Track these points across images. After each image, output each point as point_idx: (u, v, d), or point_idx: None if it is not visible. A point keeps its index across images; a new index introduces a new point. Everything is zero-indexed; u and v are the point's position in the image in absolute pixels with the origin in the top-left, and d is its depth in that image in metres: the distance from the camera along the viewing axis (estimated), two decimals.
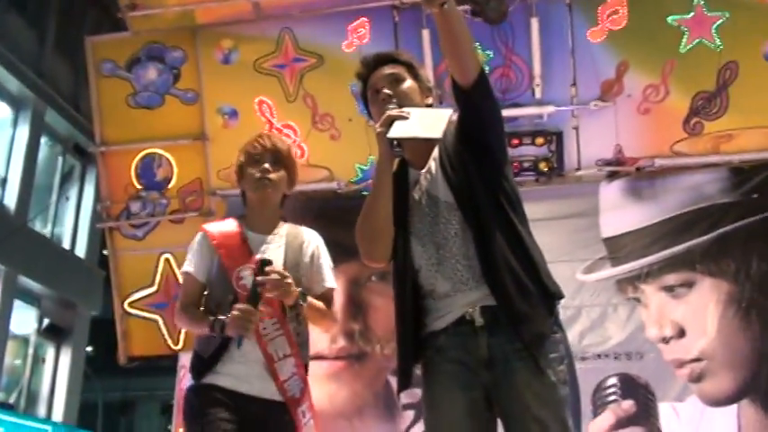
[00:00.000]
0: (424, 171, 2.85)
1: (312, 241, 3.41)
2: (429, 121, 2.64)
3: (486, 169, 2.74)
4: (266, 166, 3.32)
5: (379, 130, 2.67)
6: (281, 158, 3.37)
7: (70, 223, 14.75)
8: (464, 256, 2.69)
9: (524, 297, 2.60)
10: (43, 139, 14.09)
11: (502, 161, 2.84)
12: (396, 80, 2.87)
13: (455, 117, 2.76)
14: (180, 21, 8.38)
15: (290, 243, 3.33)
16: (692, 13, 7.37)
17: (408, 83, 2.88)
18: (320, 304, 3.33)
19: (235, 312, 3.07)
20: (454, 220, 2.73)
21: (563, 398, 2.58)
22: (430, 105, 2.92)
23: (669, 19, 7.40)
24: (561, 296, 2.72)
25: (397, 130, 2.61)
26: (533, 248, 2.73)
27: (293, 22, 8.13)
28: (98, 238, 14.75)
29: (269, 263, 3.16)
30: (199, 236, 3.38)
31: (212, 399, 3.14)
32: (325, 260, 3.42)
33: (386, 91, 2.85)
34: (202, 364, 3.22)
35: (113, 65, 8.49)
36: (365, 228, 2.79)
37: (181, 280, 3.36)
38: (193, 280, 3.31)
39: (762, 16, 7.28)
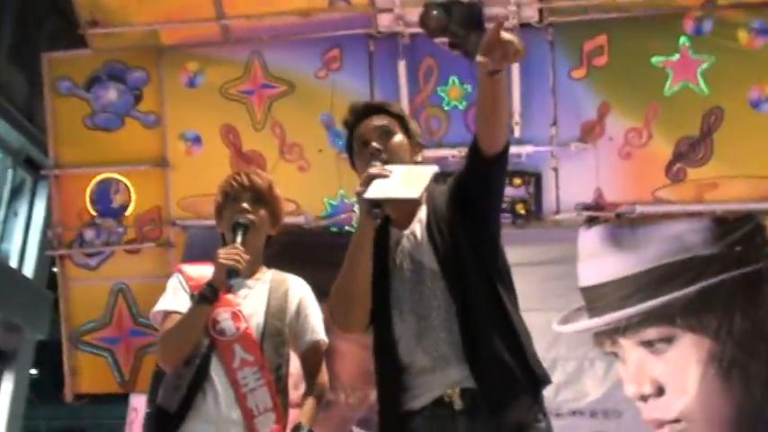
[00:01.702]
0: (407, 232, 2.65)
1: (298, 289, 3.16)
2: (410, 180, 2.49)
3: (478, 239, 2.57)
4: (245, 206, 3.06)
5: (357, 189, 2.50)
6: (262, 196, 3.11)
7: (18, 241, 14.15)
8: (447, 331, 2.51)
9: (508, 382, 2.44)
10: None
11: (496, 233, 2.66)
12: (386, 133, 2.71)
13: (436, 171, 2.56)
14: (144, 40, 7.99)
15: (275, 289, 3.09)
16: (677, 55, 7.18)
17: (399, 137, 2.72)
18: (313, 409, 3.05)
19: (220, 252, 2.88)
20: (438, 290, 2.54)
21: None
22: (419, 162, 2.75)
23: (653, 60, 7.20)
24: (548, 381, 2.53)
25: (374, 191, 2.46)
26: (521, 328, 2.55)
27: (263, 47, 7.81)
28: (48, 258, 14.19)
29: (247, 227, 3.01)
30: (176, 275, 3.12)
31: None
32: (314, 309, 3.16)
33: (375, 144, 2.67)
34: (167, 422, 2.89)
35: (71, 83, 8.07)
36: (341, 295, 2.60)
37: (159, 318, 3.03)
38: (176, 317, 2.98)
39: (749, 62, 7.11)
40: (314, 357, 3.14)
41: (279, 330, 3.03)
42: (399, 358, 2.57)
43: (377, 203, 2.47)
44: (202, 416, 2.88)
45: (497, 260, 2.61)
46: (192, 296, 2.97)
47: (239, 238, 2.95)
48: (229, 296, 2.98)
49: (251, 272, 3.07)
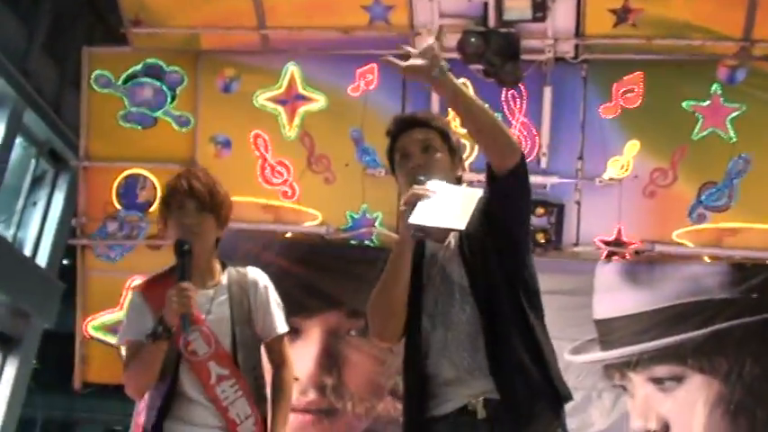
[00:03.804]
0: (443, 246, 2.69)
1: (258, 283, 3.15)
2: (455, 206, 2.49)
3: (506, 258, 2.61)
4: (188, 219, 3.02)
5: (402, 208, 2.52)
6: (205, 202, 3.05)
7: (35, 230, 14.25)
8: (472, 345, 2.56)
9: (530, 396, 2.48)
10: (18, 140, 13.63)
11: (524, 251, 2.71)
12: (427, 148, 2.73)
13: (480, 196, 2.58)
14: (183, 43, 8.15)
15: (235, 294, 3.09)
16: (708, 101, 7.28)
17: (439, 154, 2.74)
18: (285, 419, 3.08)
19: (170, 294, 2.82)
20: (467, 305, 2.60)
21: None
22: (459, 177, 2.78)
23: (684, 104, 7.31)
24: (570, 399, 2.58)
25: (420, 217, 2.47)
26: (546, 346, 2.60)
27: (300, 58, 7.93)
28: (61, 249, 14.30)
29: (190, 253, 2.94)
30: (133, 298, 3.12)
31: None
32: (274, 301, 3.16)
33: (416, 160, 2.71)
34: None
35: (108, 79, 8.18)
36: (378, 307, 2.66)
37: (122, 351, 3.11)
38: (139, 345, 2.96)
39: None
40: (277, 349, 3.17)
41: (250, 336, 3.07)
42: (427, 368, 2.63)
43: (421, 228, 2.50)
44: (182, 419, 2.95)
45: (525, 276, 2.65)
46: (146, 334, 2.91)
47: (184, 271, 2.90)
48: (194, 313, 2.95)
49: (206, 278, 3.07)
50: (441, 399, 2.58)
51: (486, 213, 2.62)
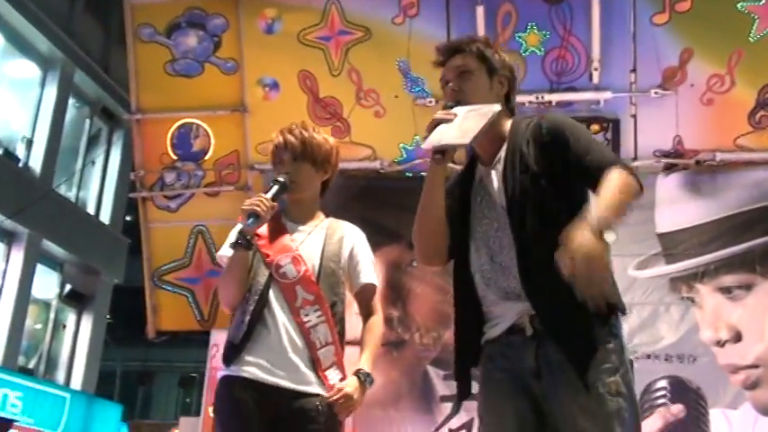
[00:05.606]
0: (490, 169, 2.69)
1: (353, 235, 3.39)
2: (468, 124, 2.53)
3: (550, 176, 2.56)
4: (285, 169, 3.30)
5: (424, 135, 2.61)
6: (299, 151, 3.30)
7: (95, 188, 14.54)
8: (515, 267, 2.55)
9: (569, 309, 2.41)
10: (71, 101, 13.84)
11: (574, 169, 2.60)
12: (463, 73, 2.75)
13: (496, 111, 2.59)
14: None
15: (330, 236, 3.33)
16: (764, 0, 7.00)
17: (475, 76, 2.75)
18: (372, 353, 3.28)
19: (245, 201, 3.13)
20: (508, 227, 2.57)
21: (613, 410, 2.42)
22: (506, 95, 2.78)
23: (739, 5, 7.04)
24: (620, 310, 2.55)
25: (432, 138, 2.56)
26: None
27: None
28: (123, 204, 14.59)
29: (284, 185, 3.20)
30: (236, 227, 3.31)
31: (242, 396, 3.10)
32: (366, 254, 3.39)
33: (450, 85, 2.75)
34: (232, 351, 3.19)
35: (152, 30, 8.20)
36: (416, 232, 2.72)
37: (223, 262, 3.30)
38: None
39: None
40: (366, 298, 3.35)
41: (333, 271, 3.26)
42: (475, 291, 2.65)
43: (438, 150, 2.55)
44: (264, 345, 3.13)
45: (577, 197, 2.55)
46: (230, 244, 3.19)
47: (270, 192, 3.17)
48: (289, 242, 3.25)
49: (306, 218, 3.34)
50: (491, 322, 2.62)
51: (544, 150, 2.59)
